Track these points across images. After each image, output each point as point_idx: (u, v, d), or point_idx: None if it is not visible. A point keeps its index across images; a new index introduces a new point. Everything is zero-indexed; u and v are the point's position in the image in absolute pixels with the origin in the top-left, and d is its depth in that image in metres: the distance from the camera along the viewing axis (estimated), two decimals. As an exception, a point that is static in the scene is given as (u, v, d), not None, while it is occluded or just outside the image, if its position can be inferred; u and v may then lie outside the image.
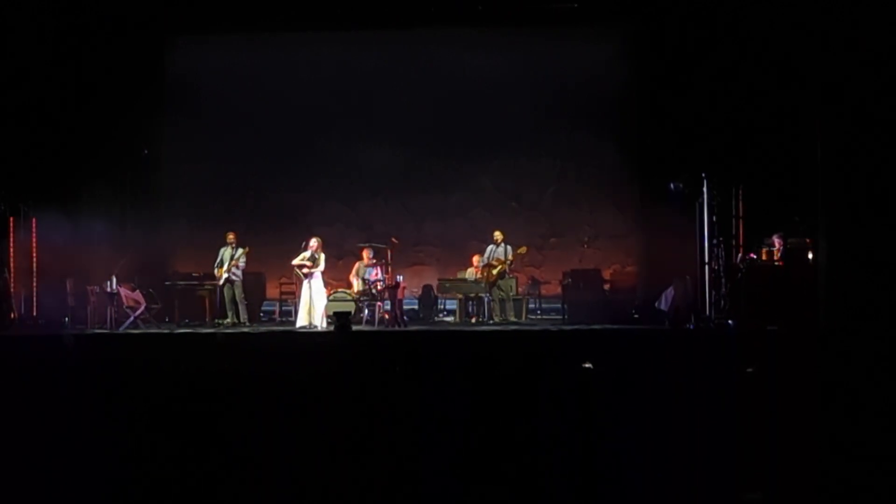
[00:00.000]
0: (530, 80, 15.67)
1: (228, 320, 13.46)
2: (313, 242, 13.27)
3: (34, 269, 13.72)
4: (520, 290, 14.70)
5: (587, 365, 7.95)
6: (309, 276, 13.11)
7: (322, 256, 13.26)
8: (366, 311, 13.72)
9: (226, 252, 13.57)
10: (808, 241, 11.66)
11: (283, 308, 14.98)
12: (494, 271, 13.91)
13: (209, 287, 14.07)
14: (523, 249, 14.22)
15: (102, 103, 14.02)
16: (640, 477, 5.57)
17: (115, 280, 13.32)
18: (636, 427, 6.28)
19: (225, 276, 13.45)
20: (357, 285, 14.03)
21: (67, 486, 5.31)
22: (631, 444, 5.92)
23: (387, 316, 13.43)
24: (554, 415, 6.69)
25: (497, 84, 15.74)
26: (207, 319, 13.92)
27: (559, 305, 14.47)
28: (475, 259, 14.36)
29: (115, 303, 13.27)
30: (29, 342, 11.57)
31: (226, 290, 13.53)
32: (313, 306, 13.00)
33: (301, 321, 13.09)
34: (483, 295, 14.04)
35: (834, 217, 10.36)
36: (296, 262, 13.25)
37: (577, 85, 15.34)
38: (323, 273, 13.27)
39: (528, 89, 15.68)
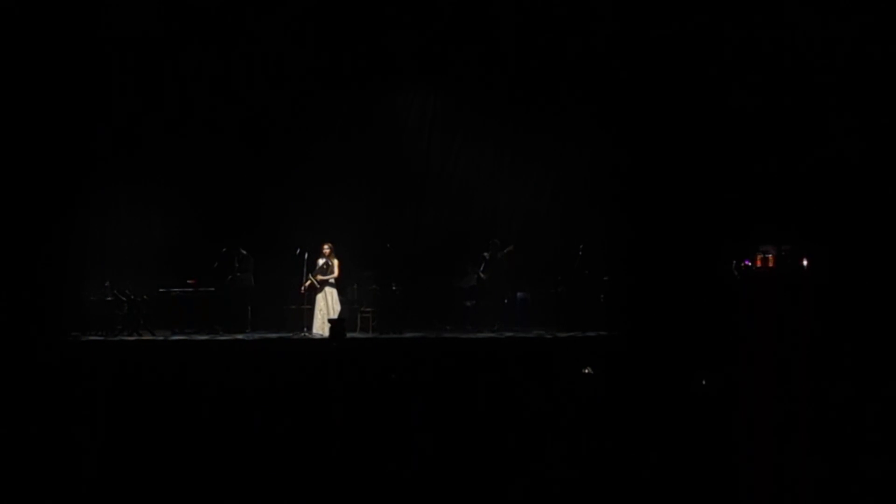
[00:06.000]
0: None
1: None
2: (326, 248, 13.23)
3: (28, 276, 13.68)
4: (515, 296, 14.68)
5: (587, 370, 7.96)
6: (324, 283, 13.07)
7: (335, 262, 13.23)
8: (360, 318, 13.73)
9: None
10: (802, 247, 11.71)
11: (275, 315, 14.95)
12: (488, 278, 13.91)
13: (203, 294, 14.06)
14: (510, 249, 14.19)
15: (97, 109, 14.01)
16: (638, 480, 5.59)
17: (109, 287, 13.31)
18: (633, 431, 6.29)
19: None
20: (351, 292, 14.04)
21: (63, 489, 5.30)
22: (629, 448, 5.93)
23: (382, 323, 13.43)
24: (550, 420, 6.70)
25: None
26: (202, 326, 13.88)
27: (554, 312, 14.46)
28: (470, 267, 14.36)
29: (110, 310, 13.26)
30: (24, 349, 11.54)
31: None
32: (326, 315, 12.94)
33: (317, 329, 13.02)
34: (479, 301, 14.03)
35: (829, 222, 10.42)
36: (315, 273, 13.15)
37: (572, 90, 15.34)
38: (336, 279, 13.24)
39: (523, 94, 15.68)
